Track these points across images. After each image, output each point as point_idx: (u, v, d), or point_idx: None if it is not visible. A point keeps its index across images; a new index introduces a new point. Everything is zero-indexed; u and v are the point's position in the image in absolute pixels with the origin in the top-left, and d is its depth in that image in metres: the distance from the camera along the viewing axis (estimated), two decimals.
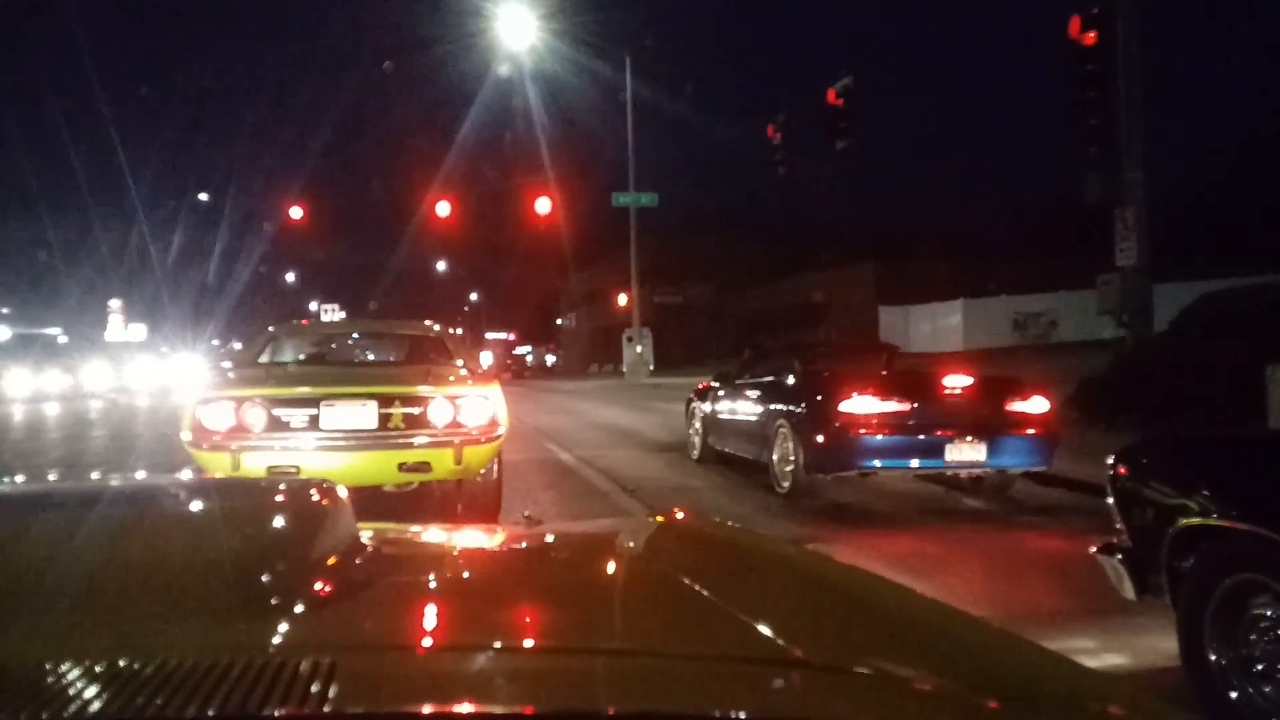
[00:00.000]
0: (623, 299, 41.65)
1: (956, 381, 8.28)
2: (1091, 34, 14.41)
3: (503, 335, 75.09)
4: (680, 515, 2.05)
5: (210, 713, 0.82)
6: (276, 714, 0.82)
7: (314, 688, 0.86)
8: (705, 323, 52.17)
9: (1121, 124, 14.38)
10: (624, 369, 36.07)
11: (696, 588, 1.37)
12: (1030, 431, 8.14)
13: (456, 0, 27.24)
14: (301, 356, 8.48)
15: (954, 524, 7.84)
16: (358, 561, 1.32)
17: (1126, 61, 14.27)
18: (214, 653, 0.92)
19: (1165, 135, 40.73)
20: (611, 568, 1.66)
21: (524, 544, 1.83)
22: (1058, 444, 8.29)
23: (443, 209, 31.96)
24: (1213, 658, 3.18)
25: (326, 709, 0.83)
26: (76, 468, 12.31)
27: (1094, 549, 3.81)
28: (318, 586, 1.16)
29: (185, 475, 5.01)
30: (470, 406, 6.55)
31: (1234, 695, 3.13)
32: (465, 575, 1.56)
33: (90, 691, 0.87)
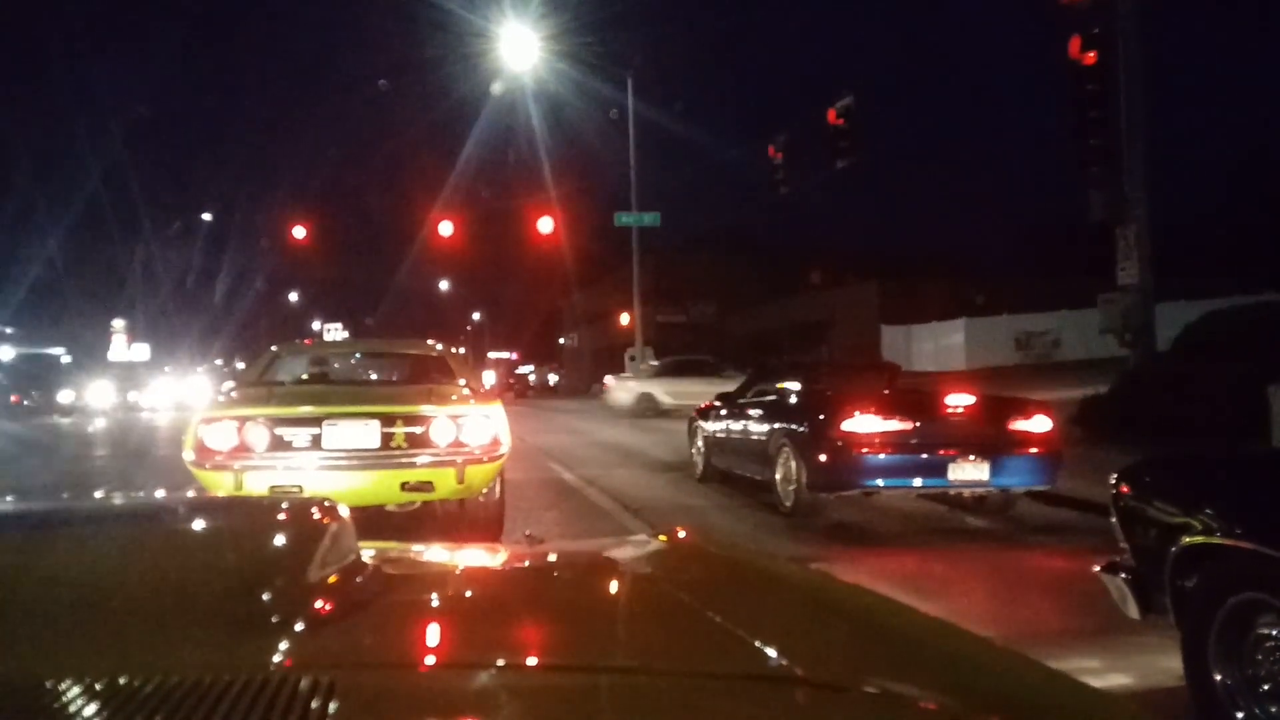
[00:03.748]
0: (625, 318, 41.63)
1: (959, 400, 8.27)
2: (1092, 54, 14.46)
3: (505, 354, 75.14)
4: (683, 535, 2.05)
5: None
6: None
7: (314, 705, 0.85)
8: (708, 342, 52.16)
9: (1122, 143, 14.42)
10: None
11: (699, 607, 1.37)
12: (1033, 450, 8.13)
13: (460, 22, 27.36)
14: (304, 376, 8.49)
15: (957, 543, 7.81)
16: (359, 580, 1.32)
17: (1127, 81, 14.32)
18: (214, 670, 0.92)
19: (1168, 154, 40.96)
20: (614, 587, 1.65)
21: (526, 563, 1.83)
22: (1061, 463, 8.27)
23: (446, 228, 32.01)
24: (1218, 677, 3.17)
25: None
26: (79, 486, 12.30)
27: (1098, 568, 3.80)
28: (318, 604, 1.16)
29: (187, 494, 5.01)
30: (473, 426, 6.54)
31: (1239, 715, 3.11)
32: (467, 594, 1.55)
33: (91, 709, 0.87)
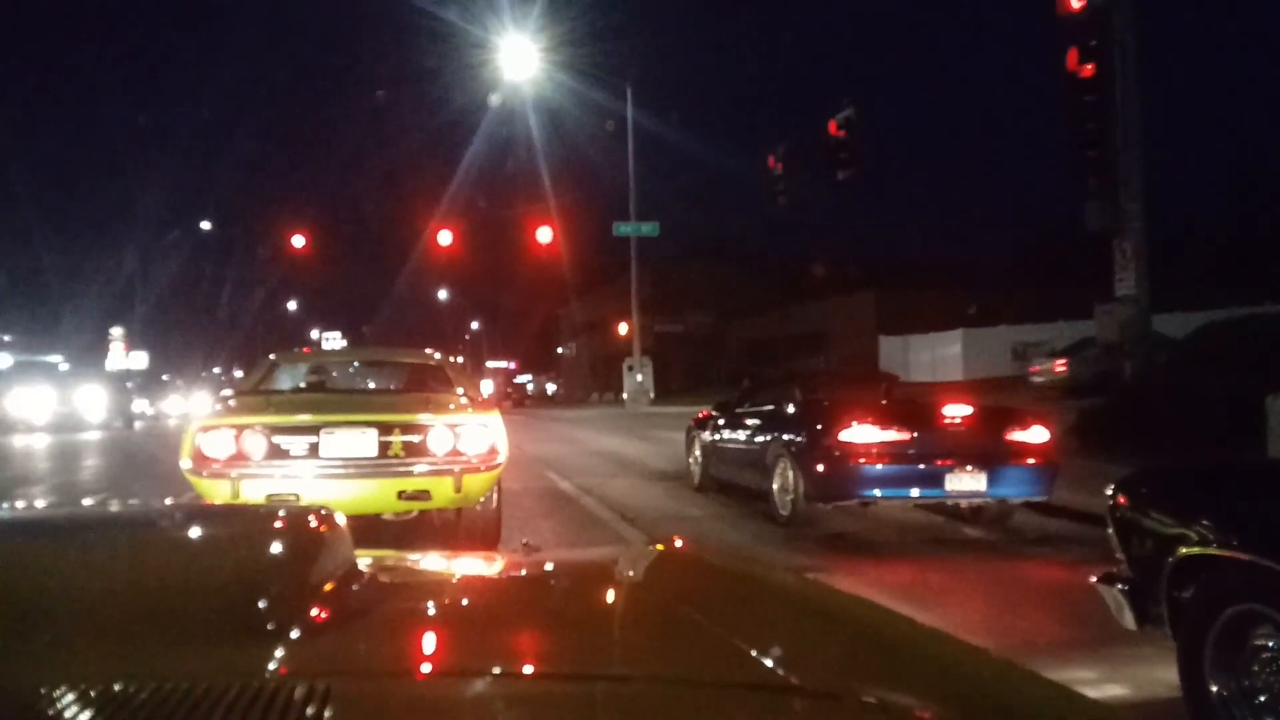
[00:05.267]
0: (623, 328, 41.71)
1: (956, 411, 8.28)
2: (1089, 66, 14.50)
3: (503, 364, 75.17)
4: (680, 544, 2.05)
5: None
6: None
7: (309, 712, 0.85)
8: (705, 352, 52.21)
9: (1120, 154, 14.46)
10: (624, 397, 36.05)
11: (695, 615, 1.37)
12: (1030, 461, 8.13)
13: (460, 32, 27.46)
14: (302, 384, 8.48)
15: (954, 554, 7.81)
16: (355, 588, 1.32)
17: (1124, 93, 14.36)
18: (210, 677, 0.92)
19: (1166, 165, 41.03)
20: (610, 595, 1.65)
21: (523, 571, 1.82)
22: (1058, 474, 8.27)
23: (445, 238, 32.14)
24: (1214, 689, 3.16)
25: None
26: (76, 494, 12.27)
27: (1094, 579, 3.80)
28: (314, 612, 1.16)
29: (184, 502, 5.00)
30: (470, 434, 6.54)
31: None
32: (463, 602, 1.55)
33: (87, 716, 0.87)
